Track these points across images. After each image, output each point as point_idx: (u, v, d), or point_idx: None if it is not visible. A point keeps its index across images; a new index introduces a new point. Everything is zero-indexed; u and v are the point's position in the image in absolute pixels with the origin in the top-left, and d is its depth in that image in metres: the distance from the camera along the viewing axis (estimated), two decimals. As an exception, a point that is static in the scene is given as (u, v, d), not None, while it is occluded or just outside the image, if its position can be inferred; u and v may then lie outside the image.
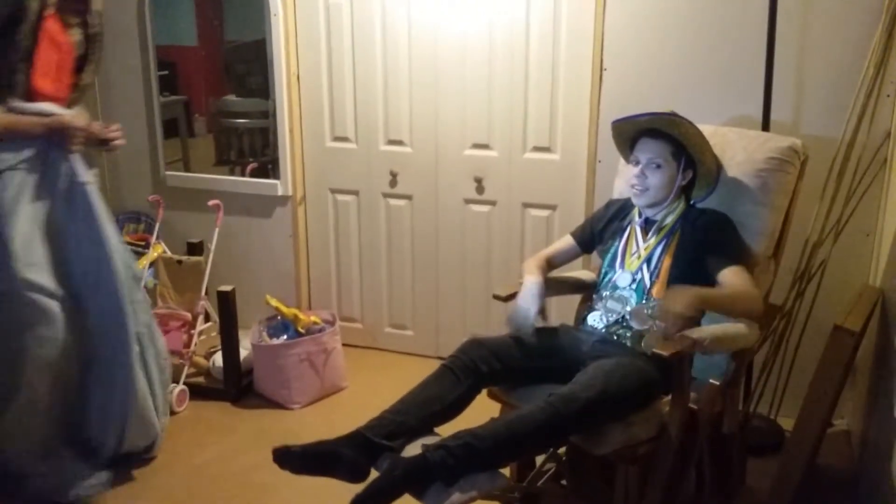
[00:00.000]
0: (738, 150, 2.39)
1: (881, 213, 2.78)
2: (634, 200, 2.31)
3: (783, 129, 2.78)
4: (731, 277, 2.15)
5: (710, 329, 2.10)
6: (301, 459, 1.98)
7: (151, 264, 3.55)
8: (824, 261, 2.78)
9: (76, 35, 2.56)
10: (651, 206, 2.29)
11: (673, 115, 2.23)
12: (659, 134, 2.25)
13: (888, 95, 2.70)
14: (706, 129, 2.46)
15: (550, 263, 2.47)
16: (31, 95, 2.44)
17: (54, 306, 2.48)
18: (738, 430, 2.39)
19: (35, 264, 2.45)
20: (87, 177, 2.55)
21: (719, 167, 2.36)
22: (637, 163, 2.27)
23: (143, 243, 3.69)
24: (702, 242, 2.21)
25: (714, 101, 2.90)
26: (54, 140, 2.46)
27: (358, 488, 1.86)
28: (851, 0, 2.70)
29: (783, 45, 2.72)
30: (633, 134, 2.33)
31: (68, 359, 2.55)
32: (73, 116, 2.51)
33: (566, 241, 2.52)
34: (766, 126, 2.71)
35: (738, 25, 2.84)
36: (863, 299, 2.50)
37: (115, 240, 2.60)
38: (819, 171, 2.69)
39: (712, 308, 2.10)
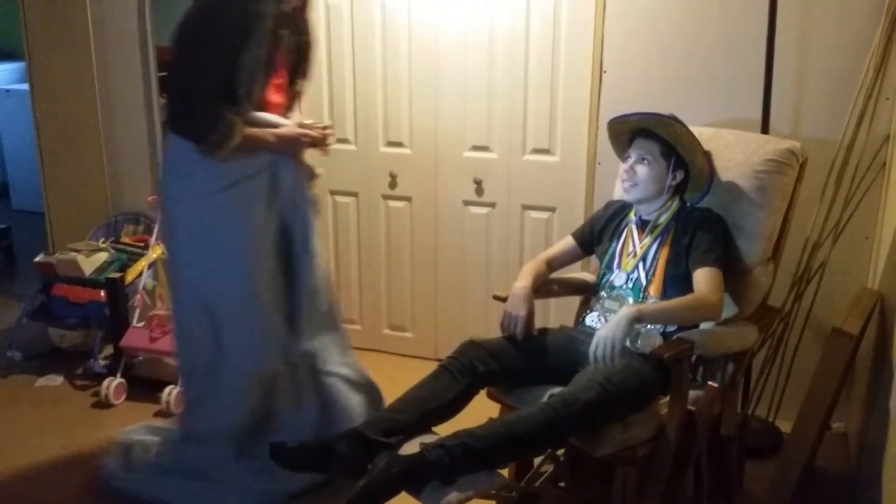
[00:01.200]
0: (737, 152, 2.39)
1: (880, 216, 2.78)
2: (625, 196, 2.34)
3: (782, 131, 2.78)
4: (699, 279, 2.18)
5: (707, 331, 2.11)
6: (298, 456, 1.98)
7: (151, 265, 3.55)
8: (823, 263, 2.78)
9: (290, 40, 2.46)
10: (641, 201, 2.32)
11: (663, 115, 2.24)
12: (651, 134, 2.28)
13: (887, 98, 2.71)
14: (705, 132, 2.47)
15: (550, 265, 2.47)
16: (262, 105, 2.37)
17: (277, 324, 2.47)
18: (736, 432, 2.39)
19: (264, 284, 2.43)
20: (309, 190, 2.50)
21: (713, 169, 2.37)
22: (628, 159, 2.31)
23: (142, 245, 3.69)
24: (689, 238, 2.23)
25: (714, 103, 2.91)
26: (283, 150, 2.39)
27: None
28: (851, 3, 2.71)
29: (782, 48, 2.72)
30: (629, 135, 2.35)
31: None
32: (301, 124, 2.45)
33: (567, 243, 2.52)
34: (765, 129, 2.72)
35: (738, 28, 2.85)
36: (861, 302, 2.50)
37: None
38: (818, 173, 2.69)
39: (658, 322, 2.12)
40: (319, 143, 2.47)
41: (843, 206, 2.75)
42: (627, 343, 2.21)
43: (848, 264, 2.86)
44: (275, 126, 2.37)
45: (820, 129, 2.80)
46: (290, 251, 2.48)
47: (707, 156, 2.35)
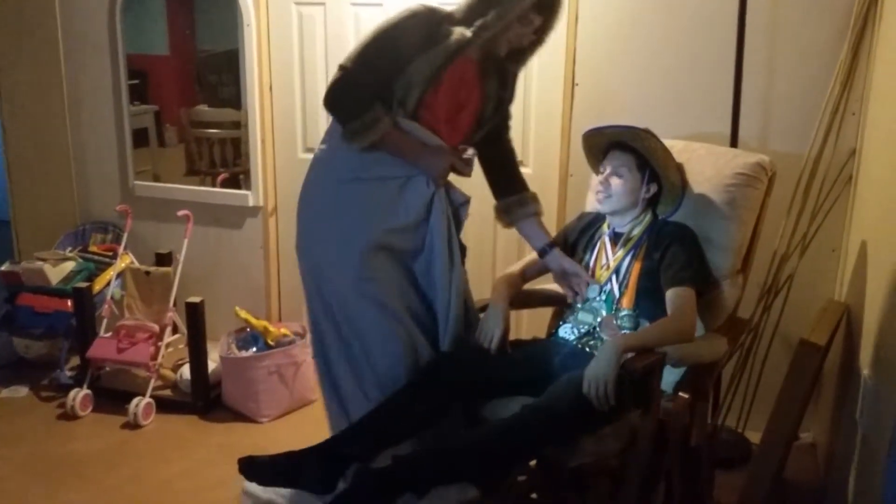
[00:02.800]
0: (708, 165, 2.42)
1: (846, 229, 2.83)
2: (599, 207, 2.35)
3: (751, 145, 2.82)
4: (673, 299, 2.16)
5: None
6: (268, 470, 1.96)
7: (119, 275, 3.51)
8: (791, 275, 2.82)
9: (491, 88, 2.37)
10: (614, 213, 2.33)
11: (638, 128, 2.26)
12: (626, 147, 2.29)
13: (853, 113, 2.75)
14: (676, 144, 2.49)
15: (524, 277, 2.48)
16: (418, 117, 2.29)
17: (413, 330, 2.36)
18: (706, 442, 2.41)
19: (384, 287, 2.32)
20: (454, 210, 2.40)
21: (685, 182, 2.39)
22: (602, 171, 2.32)
23: (110, 254, 3.65)
24: (662, 255, 2.24)
25: (684, 116, 2.94)
26: (425, 166, 2.30)
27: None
28: (818, 20, 2.76)
29: (751, 63, 2.76)
30: (603, 147, 2.36)
31: None
32: (453, 153, 2.35)
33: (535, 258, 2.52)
34: (734, 142, 2.75)
35: (708, 43, 2.89)
36: (828, 314, 2.54)
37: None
38: (786, 187, 2.73)
39: (641, 348, 2.09)
40: (462, 170, 2.38)
41: (810, 220, 2.79)
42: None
43: (815, 276, 2.90)
44: (423, 141, 2.30)
45: (787, 143, 2.84)
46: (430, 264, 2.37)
47: (680, 169, 2.37)
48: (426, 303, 2.38)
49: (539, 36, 2.33)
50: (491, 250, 3.40)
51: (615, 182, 2.29)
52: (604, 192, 2.31)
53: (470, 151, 2.39)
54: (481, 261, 3.42)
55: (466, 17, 2.24)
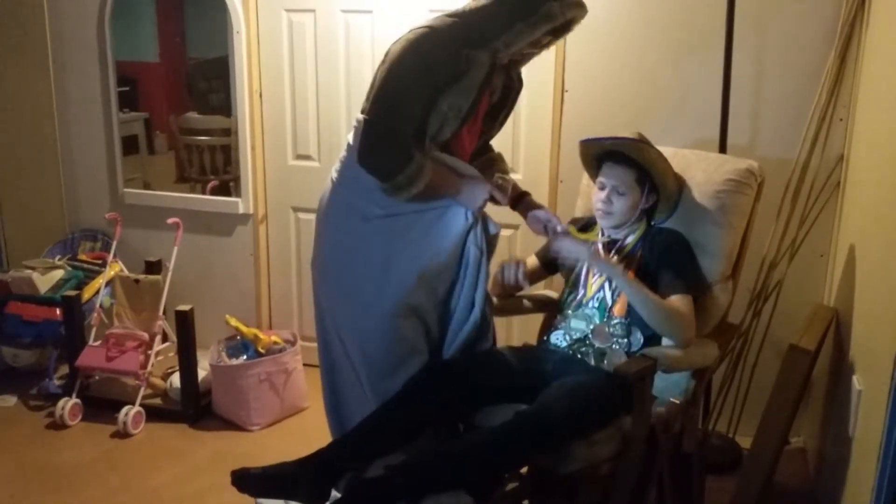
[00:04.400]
0: (698, 171, 2.43)
1: (835, 235, 2.85)
2: (600, 222, 2.35)
3: (739, 151, 2.83)
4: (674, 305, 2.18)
5: (670, 348, 2.13)
6: (261, 482, 1.95)
7: (108, 283, 3.49)
8: (780, 281, 2.83)
9: (497, 85, 2.30)
10: (615, 227, 2.33)
11: (638, 140, 2.26)
12: (624, 159, 2.28)
13: (840, 120, 2.77)
14: (666, 151, 2.49)
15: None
16: (453, 149, 2.24)
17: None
18: (697, 448, 2.41)
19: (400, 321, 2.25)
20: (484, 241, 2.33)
21: (681, 189, 2.40)
22: (603, 187, 2.31)
23: (99, 262, 3.64)
24: (657, 262, 2.24)
25: (673, 123, 2.95)
26: (463, 200, 2.23)
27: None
28: (805, 27, 2.78)
29: (739, 70, 2.78)
30: (599, 154, 2.35)
31: None
32: (486, 181, 2.29)
33: (531, 263, 2.53)
34: (723, 148, 2.77)
35: (697, 50, 2.90)
36: (817, 319, 2.55)
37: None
38: (774, 192, 2.75)
39: (637, 294, 2.12)
40: (499, 199, 2.34)
41: (798, 225, 2.81)
42: (592, 361, 2.23)
43: (804, 281, 2.91)
44: (458, 172, 2.24)
45: (776, 150, 2.86)
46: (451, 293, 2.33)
47: (677, 176, 2.37)
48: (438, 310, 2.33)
49: (540, 50, 2.30)
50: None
51: (617, 201, 2.28)
52: (605, 209, 2.29)
53: (505, 179, 2.37)
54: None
55: (482, 38, 2.12)
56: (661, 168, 2.27)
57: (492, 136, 2.47)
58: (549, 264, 2.52)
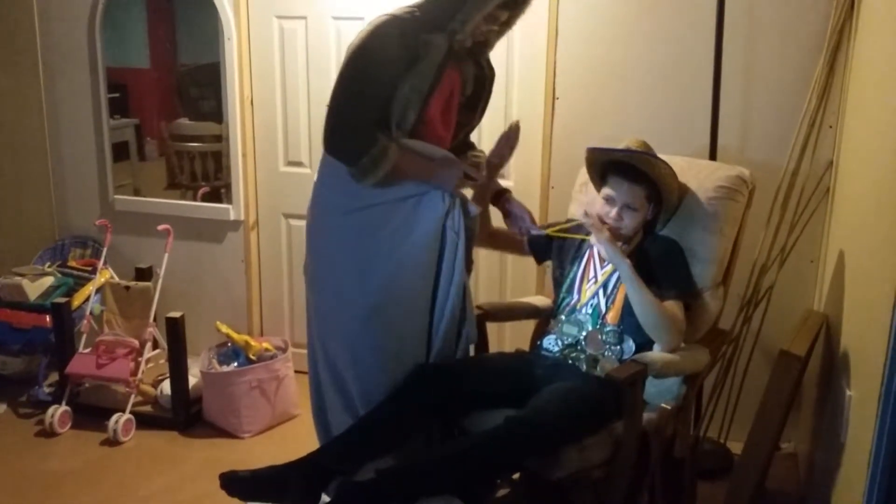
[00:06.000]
0: (689, 178, 2.44)
1: (824, 240, 2.86)
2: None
3: (730, 158, 2.85)
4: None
5: (661, 354, 2.14)
6: (250, 485, 1.95)
7: (98, 290, 3.48)
8: (770, 287, 2.84)
9: (468, 72, 2.34)
10: (623, 241, 2.32)
11: (649, 154, 2.26)
12: (632, 172, 2.26)
13: (830, 126, 2.79)
14: (657, 157, 2.51)
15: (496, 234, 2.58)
16: (423, 135, 2.25)
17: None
18: (689, 453, 2.41)
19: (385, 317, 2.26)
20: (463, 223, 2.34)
21: (681, 200, 2.40)
22: (612, 201, 2.29)
23: (89, 269, 3.62)
24: (653, 269, 2.25)
25: (663, 129, 2.96)
26: (437, 183, 2.25)
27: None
28: (795, 35, 2.80)
29: (729, 77, 2.80)
30: (605, 163, 2.34)
31: None
32: (459, 160, 2.31)
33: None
34: (713, 155, 2.78)
35: (687, 57, 2.92)
36: (808, 324, 2.56)
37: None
38: (764, 199, 2.76)
39: (638, 295, 2.14)
40: (474, 176, 2.36)
41: (788, 231, 2.82)
42: (584, 367, 2.23)
43: (794, 287, 2.92)
44: (430, 157, 2.26)
45: (765, 156, 2.87)
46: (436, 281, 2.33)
47: (681, 187, 2.37)
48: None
49: (502, 28, 2.31)
50: (498, 259, 3.39)
51: (628, 217, 2.27)
52: (615, 224, 2.28)
53: (478, 156, 2.41)
54: (490, 272, 3.40)
55: (437, 21, 2.17)
56: (669, 182, 2.28)
57: (472, 128, 2.50)
58: (541, 246, 2.54)
